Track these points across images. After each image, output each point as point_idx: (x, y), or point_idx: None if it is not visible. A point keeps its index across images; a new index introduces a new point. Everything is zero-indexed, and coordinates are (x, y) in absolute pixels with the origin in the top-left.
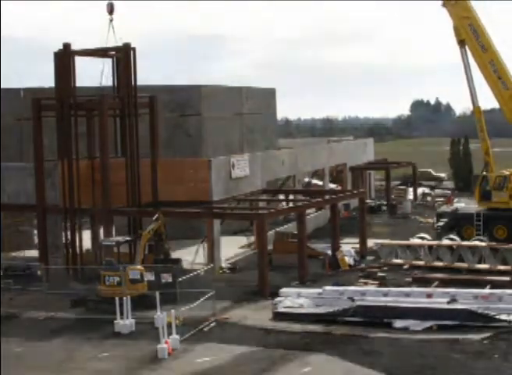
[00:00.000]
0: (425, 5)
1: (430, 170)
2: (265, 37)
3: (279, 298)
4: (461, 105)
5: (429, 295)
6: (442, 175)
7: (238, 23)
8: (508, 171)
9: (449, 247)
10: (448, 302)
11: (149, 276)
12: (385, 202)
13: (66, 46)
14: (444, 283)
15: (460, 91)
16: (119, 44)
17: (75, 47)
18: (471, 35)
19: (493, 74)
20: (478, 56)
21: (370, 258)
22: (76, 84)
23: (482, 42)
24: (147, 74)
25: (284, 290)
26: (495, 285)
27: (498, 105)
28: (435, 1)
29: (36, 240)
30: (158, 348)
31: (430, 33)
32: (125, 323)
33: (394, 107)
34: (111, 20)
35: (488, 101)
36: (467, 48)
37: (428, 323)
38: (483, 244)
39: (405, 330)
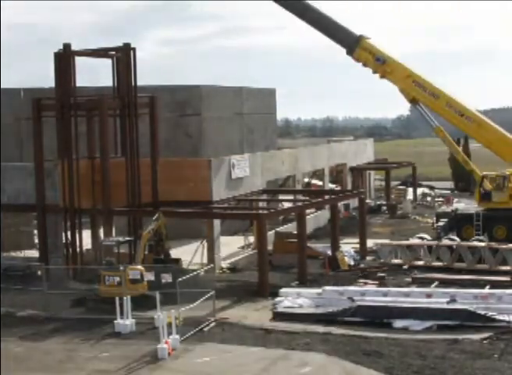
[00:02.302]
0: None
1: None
2: None
3: (278, 298)
4: None
5: (429, 295)
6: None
7: None
8: (508, 171)
9: (449, 247)
10: (448, 302)
11: (149, 276)
12: (385, 202)
13: (66, 46)
14: (444, 283)
15: (460, 91)
16: None
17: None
18: (419, 90)
19: (455, 114)
20: (433, 105)
21: (370, 258)
22: (76, 84)
23: (432, 91)
24: None
25: (284, 290)
26: (495, 285)
27: (470, 136)
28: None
29: (36, 240)
30: (158, 348)
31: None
32: (125, 323)
33: (394, 107)
34: None
35: (487, 101)
36: (420, 103)
37: (428, 323)
38: (483, 244)
39: (405, 330)
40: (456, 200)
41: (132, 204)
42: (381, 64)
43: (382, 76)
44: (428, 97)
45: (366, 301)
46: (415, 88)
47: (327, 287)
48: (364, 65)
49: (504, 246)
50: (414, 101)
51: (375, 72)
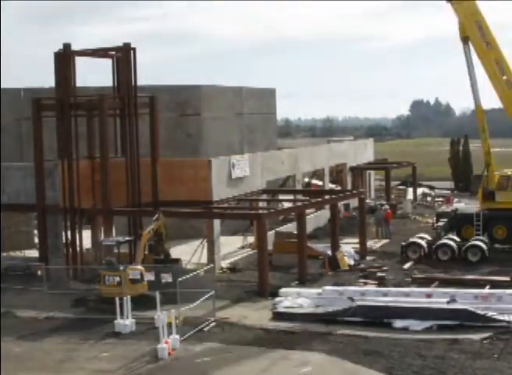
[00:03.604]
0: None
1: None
2: None
3: (278, 298)
4: (461, 105)
5: (429, 295)
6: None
7: None
8: (510, 171)
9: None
10: (448, 302)
11: (149, 276)
12: (384, 202)
13: (66, 46)
14: (444, 283)
15: (460, 91)
16: None
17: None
18: (476, 32)
19: (498, 73)
20: (482, 53)
21: (370, 258)
22: (76, 84)
23: (488, 40)
24: None
25: (284, 290)
26: (495, 285)
27: (501, 104)
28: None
29: (36, 240)
30: (158, 348)
31: None
32: (125, 323)
33: (394, 107)
34: None
35: (488, 100)
36: (470, 45)
37: (428, 323)
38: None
39: (405, 330)
40: (456, 200)
41: (132, 204)
42: None
43: (449, 0)
44: (482, 43)
45: (366, 301)
46: (474, 29)
47: (327, 287)
48: None
49: None
50: (465, 40)
51: None
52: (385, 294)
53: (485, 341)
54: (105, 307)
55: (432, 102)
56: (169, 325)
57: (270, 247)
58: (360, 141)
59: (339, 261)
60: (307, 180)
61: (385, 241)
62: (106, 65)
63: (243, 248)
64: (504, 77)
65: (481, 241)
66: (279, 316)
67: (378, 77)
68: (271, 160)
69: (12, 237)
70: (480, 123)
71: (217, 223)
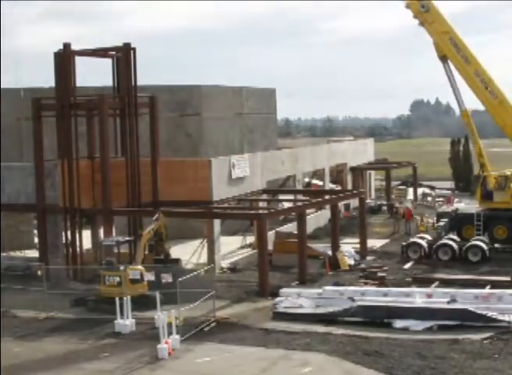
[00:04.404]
0: None
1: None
2: None
3: (279, 298)
4: None
5: (429, 295)
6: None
7: None
8: (509, 171)
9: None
10: (448, 302)
11: (149, 276)
12: (385, 202)
13: (66, 46)
14: (444, 283)
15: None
16: None
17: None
18: (452, 49)
19: (480, 84)
20: (462, 69)
21: (370, 258)
22: (76, 84)
23: (465, 54)
24: None
25: (284, 290)
26: (495, 285)
27: (488, 111)
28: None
29: (36, 240)
30: (158, 348)
31: None
32: (125, 323)
33: (394, 107)
34: None
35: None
36: (449, 62)
37: (428, 323)
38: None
39: (405, 330)
40: (456, 200)
41: (132, 204)
42: (424, 11)
43: (421, 24)
44: (460, 59)
45: (366, 301)
46: (449, 46)
47: (327, 287)
48: (407, 7)
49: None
50: (443, 59)
51: (415, 17)
52: (385, 294)
53: (485, 341)
54: (105, 307)
55: (432, 102)
56: (169, 325)
57: (270, 247)
58: (360, 141)
59: (339, 261)
60: (307, 180)
61: (386, 240)
62: (106, 65)
63: (242, 248)
64: (488, 89)
65: (482, 241)
66: (279, 316)
67: (378, 77)
68: (271, 160)
69: (12, 237)
70: (468, 127)
71: (217, 223)
